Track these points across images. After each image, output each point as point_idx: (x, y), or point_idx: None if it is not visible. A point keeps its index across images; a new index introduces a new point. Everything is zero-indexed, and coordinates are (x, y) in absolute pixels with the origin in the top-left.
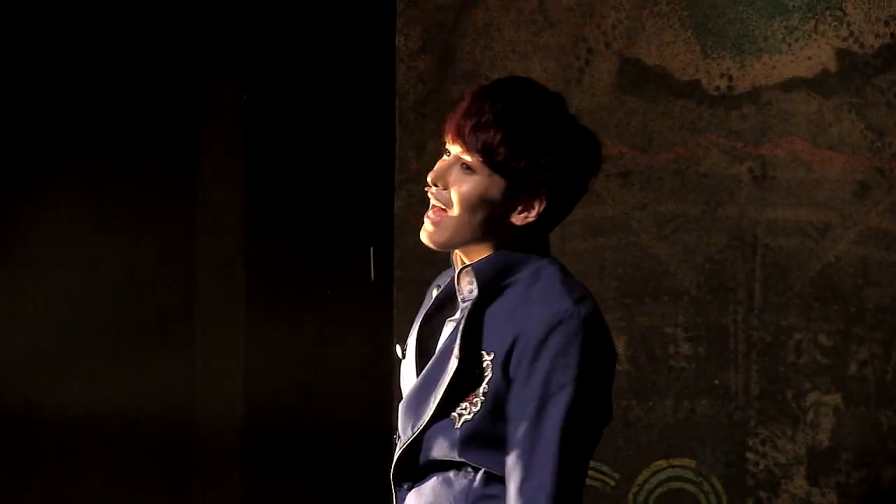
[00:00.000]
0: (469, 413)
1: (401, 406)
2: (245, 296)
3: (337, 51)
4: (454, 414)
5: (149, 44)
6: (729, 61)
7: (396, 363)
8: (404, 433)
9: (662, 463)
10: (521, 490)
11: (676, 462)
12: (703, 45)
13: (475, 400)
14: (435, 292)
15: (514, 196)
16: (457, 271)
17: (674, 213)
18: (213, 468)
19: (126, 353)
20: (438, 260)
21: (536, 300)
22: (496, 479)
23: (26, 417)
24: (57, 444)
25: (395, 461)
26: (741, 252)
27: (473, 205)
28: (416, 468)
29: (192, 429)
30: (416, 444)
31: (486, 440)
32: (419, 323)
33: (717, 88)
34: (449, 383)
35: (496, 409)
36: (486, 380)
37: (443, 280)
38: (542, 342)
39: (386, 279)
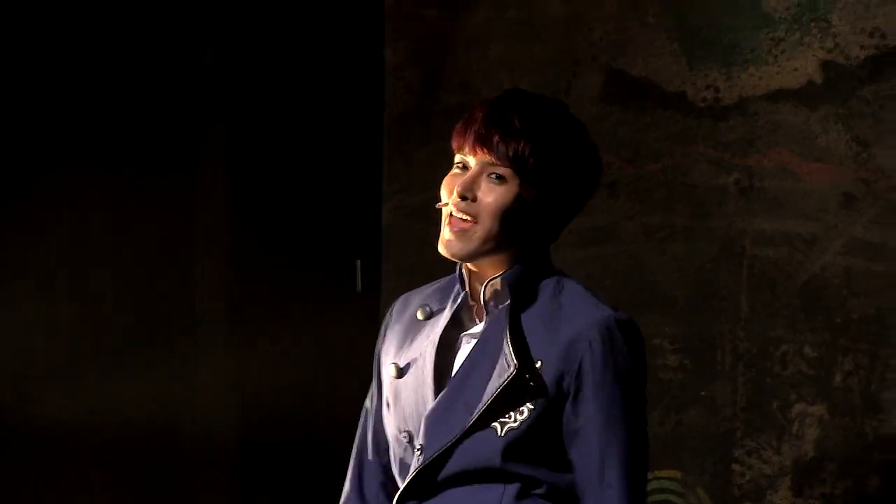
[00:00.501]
0: (515, 421)
1: (421, 421)
2: (235, 307)
3: (325, 63)
4: (496, 423)
5: (137, 51)
6: (715, 73)
7: (372, 379)
8: (430, 446)
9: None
10: (606, 494)
11: (662, 474)
12: (690, 56)
13: (522, 408)
14: (420, 314)
15: (542, 204)
16: (484, 284)
17: (661, 223)
18: (206, 478)
19: (118, 363)
20: (426, 271)
21: (572, 308)
22: (528, 493)
23: (16, 427)
24: (47, 455)
25: (414, 473)
26: (728, 263)
27: (505, 214)
28: (434, 482)
29: (185, 439)
30: (443, 457)
31: (528, 448)
32: (436, 340)
33: (704, 100)
34: (500, 392)
35: (544, 417)
36: (537, 387)
37: (426, 299)
38: (603, 349)
39: (373, 290)
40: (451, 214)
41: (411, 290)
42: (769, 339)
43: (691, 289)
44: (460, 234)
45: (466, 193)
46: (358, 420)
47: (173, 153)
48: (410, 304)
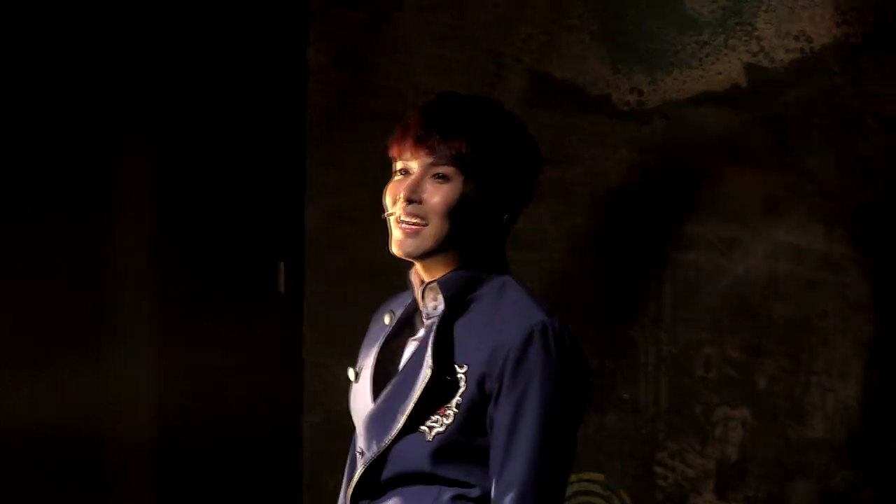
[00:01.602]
0: (441, 425)
1: (361, 425)
2: (156, 309)
3: (248, 65)
4: (424, 427)
5: (54, 49)
6: (639, 76)
7: (347, 385)
8: (368, 450)
9: (571, 477)
10: (506, 495)
11: (585, 476)
12: (614, 59)
13: (448, 412)
14: (387, 318)
15: (486, 200)
16: (420, 288)
17: (584, 227)
18: (125, 481)
19: (33, 366)
20: (349, 274)
21: (508, 313)
22: (464, 497)
23: None
24: None
25: (357, 477)
26: (651, 266)
27: (453, 212)
28: (378, 485)
29: (104, 444)
30: (381, 460)
31: (458, 452)
32: (379, 345)
33: (628, 103)
34: (420, 395)
35: (470, 421)
36: (460, 392)
37: (395, 305)
38: (521, 353)
39: (296, 293)
40: (399, 220)
41: (332, 293)
42: (692, 342)
43: (613, 292)
44: (413, 234)
45: (413, 196)
46: (281, 422)
47: (93, 154)
48: (384, 311)
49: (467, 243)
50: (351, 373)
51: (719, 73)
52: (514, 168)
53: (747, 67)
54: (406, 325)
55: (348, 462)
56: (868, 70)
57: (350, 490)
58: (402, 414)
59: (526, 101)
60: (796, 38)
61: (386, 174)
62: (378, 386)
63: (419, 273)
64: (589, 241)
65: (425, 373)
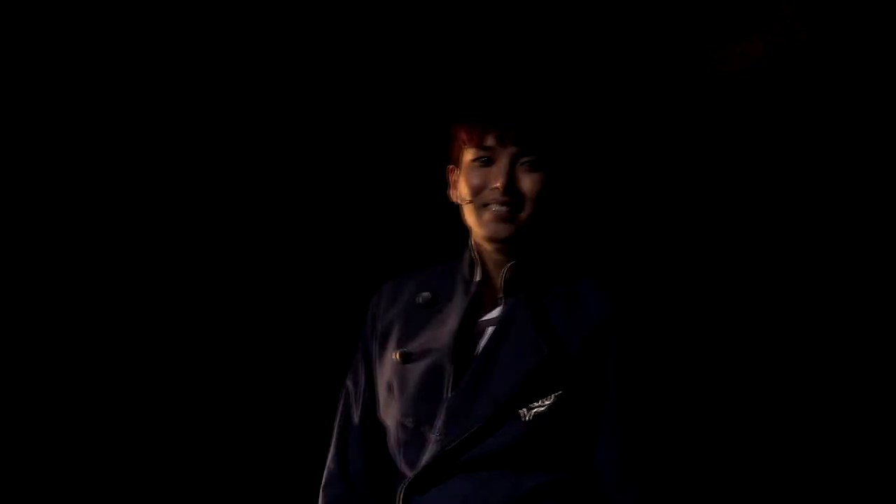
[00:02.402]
0: (541, 406)
1: (434, 407)
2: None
3: None
4: (522, 409)
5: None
6: (659, 56)
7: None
8: (450, 434)
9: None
10: (623, 485)
11: None
12: (633, 40)
13: (549, 394)
14: (420, 300)
15: (568, 183)
16: (503, 270)
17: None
18: (132, 469)
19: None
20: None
21: (593, 293)
22: (548, 486)
23: None
24: None
25: (430, 459)
26: (673, 250)
27: (547, 197)
28: (450, 469)
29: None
30: (464, 444)
31: (553, 433)
32: (455, 328)
33: (647, 84)
34: (530, 378)
35: (570, 401)
36: (562, 373)
37: (425, 285)
38: (625, 337)
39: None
40: (487, 205)
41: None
42: None
43: (632, 276)
44: (508, 220)
45: (509, 187)
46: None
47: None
48: (404, 291)
49: (550, 223)
50: (399, 354)
51: (741, 53)
52: (580, 147)
53: (769, 47)
54: (469, 308)
55: (341, 436)
56: (891, 50)
57: (416, 471)
58: (501, 396)
59: None
60: (818, 18)
61: None
62: (458, 367)
63: (494, 255)
64: (608, 225)
65: (537, 357)
